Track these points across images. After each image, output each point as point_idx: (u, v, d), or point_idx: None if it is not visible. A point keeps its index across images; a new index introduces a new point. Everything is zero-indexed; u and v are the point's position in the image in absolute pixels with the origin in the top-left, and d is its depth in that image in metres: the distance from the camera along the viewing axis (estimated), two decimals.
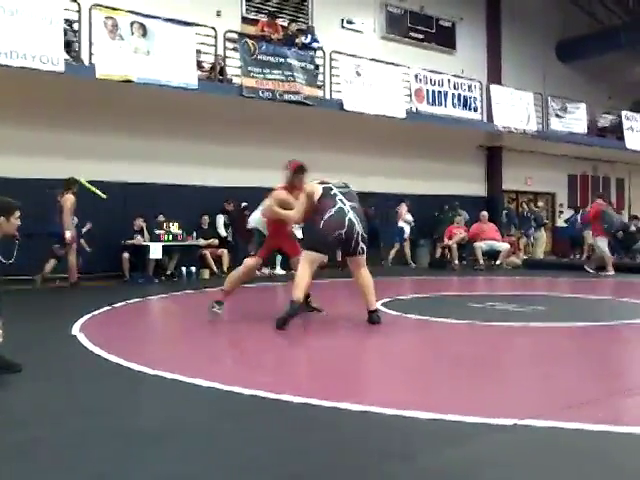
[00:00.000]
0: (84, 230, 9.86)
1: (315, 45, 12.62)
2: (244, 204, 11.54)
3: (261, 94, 11.38)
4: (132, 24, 10.06)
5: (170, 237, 10.69)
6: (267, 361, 4.30)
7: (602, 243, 12.00)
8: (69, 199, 9.23)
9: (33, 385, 3.62)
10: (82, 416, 3.00)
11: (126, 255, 10.29)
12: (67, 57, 9.57)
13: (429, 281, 11.06)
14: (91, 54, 9.83)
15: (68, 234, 9.08)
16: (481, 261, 13.09)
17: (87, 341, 4.70)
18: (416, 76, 14.00)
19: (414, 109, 13.76)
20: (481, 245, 13.23)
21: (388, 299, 7.46)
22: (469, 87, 14.95)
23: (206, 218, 11.56)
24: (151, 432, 2.74)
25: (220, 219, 11.82)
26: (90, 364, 4.09)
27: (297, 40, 12.28)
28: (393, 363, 4.19)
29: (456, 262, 13.35)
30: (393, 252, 13.89)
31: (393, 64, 13.62)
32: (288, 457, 2.41)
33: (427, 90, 14.18)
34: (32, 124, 10.23)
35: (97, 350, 4.40)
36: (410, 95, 13.83)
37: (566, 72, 18.39)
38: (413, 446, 2.53)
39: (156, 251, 10.40)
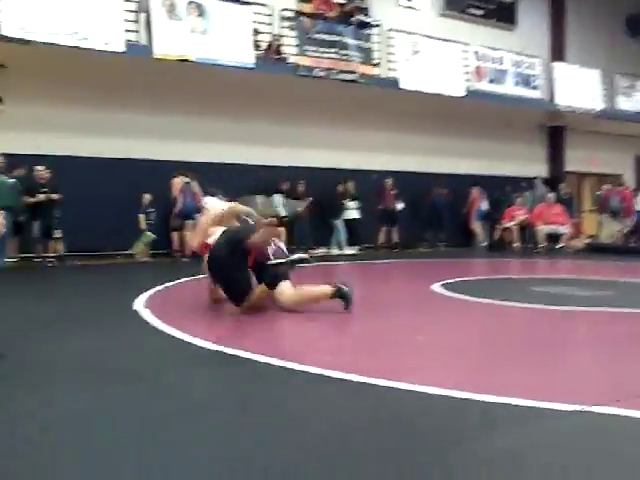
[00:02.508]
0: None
1: (371, 23, 12.40)
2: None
3: (316, 73, 11.29)
4: (189, 4, 10.12)
5: None
6: (326, 339, 4.24)
7: None
8: (176, 182, 10.20)
9: (93, 356, 3.65)
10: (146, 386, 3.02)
11: (186, 233, 10.40)
12: (127, 38, 9.69)
13: (488, 263, 10.80)
14: (150, 34, 9.92)
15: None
16: (542, 244, 12.70)
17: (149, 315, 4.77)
18: (476, 53, 13.64)
19: (473, 87, 13.40)
20: (543, 228, 12.83)
21: (448, 281, 7.29)
22: (530, 65, 14.44)
23: (261, 197, 11.58)
24: (210, 405, 2.72)
25: (277, 198, 11.83)
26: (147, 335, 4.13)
27: (353, 18, 12.10)
28: (451, 345, 4.07)
29: (516, 244, 13.00)
30: (481, 233, 13.67)
31: (451, 41, 13.28)
32: (351, 435, 2.35)
33: (487, 68, 13.79)
34: (100, 104, 10.46)
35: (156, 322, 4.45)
36: (469, 73, 13.47)
37: (635, 48, 17.52)
38: (474, 429, 2.42)
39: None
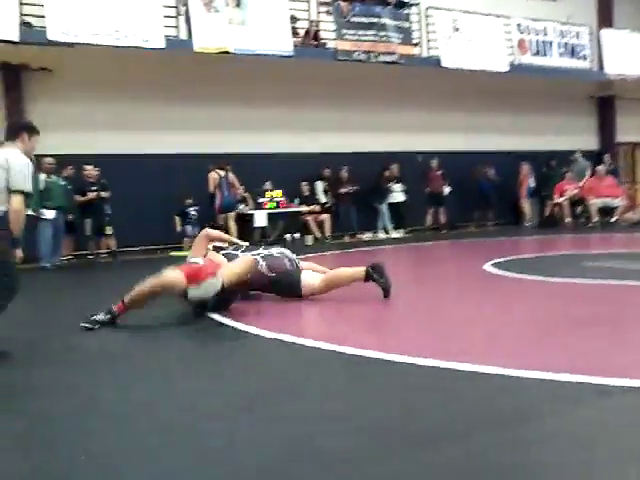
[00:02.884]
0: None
1: (409, 2, 12.19)
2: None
3: (356, 56, 11.18)
4: None
5: (273, 205, 10.84)
6: (374, 321, 4.23)
7: None
8: (212, 176, 10.27)
9: (161, 351, 3.74)
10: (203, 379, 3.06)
11: (232, 224, 10.51)
12: (166, 33, 9.79)
13: (540, 240, 10.55)
14: (189, 29, 10.00)
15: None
16: (595, 218, 12.32)
17: None
18: (518, 26, 13.26)
19: (517, 61, 13.06)
20: (595, 202, 12.45)
21: (500, 260, 7.16)
22: (577, 34, 13.96)
23: (306, 185, 11.61)
24: (264, 392, 2.74)
25: (319, 185, 11.83)
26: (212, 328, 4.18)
27: None
28: (506, 323, 3.99)
29: (568, 220, 12.66)
30: (530, 210, 13.45)
31: (493, 15, 12.94)
32: (406, 418, 2.34)
33: (530, 40, 13.41)
34: (143, 100, 10.63)
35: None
36: (512, 47, 13.12)
37: None
38: (539, 407, 2.38)
39: (261, 219, 10.58)
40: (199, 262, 4.67)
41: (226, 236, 5.55)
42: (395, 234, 12.13)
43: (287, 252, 5.07)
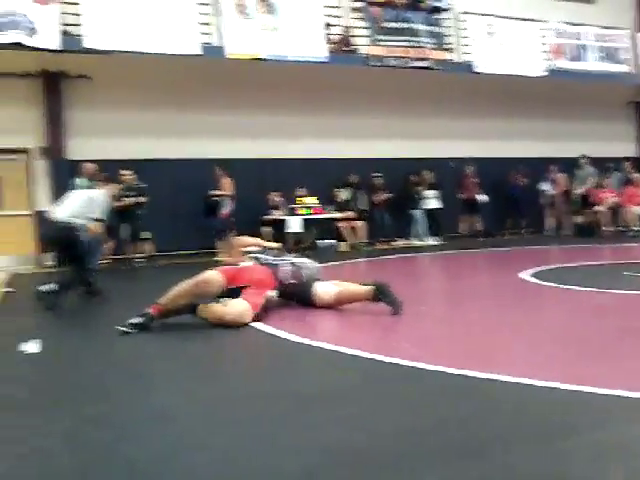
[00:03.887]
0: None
1: (442, 7, 12.11)
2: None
3: (388, 62, 11.15)
4: (259, 2, 10.19)
5: (307, 211, 10.85)
6: (414, 331, 4.17)
7: None
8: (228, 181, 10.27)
9: (195, 352, 3.78)
10: (242, 380, 3.06)
11: (267, 229, 10.55)
12: (202, 40, 9.89)
13: (578, 249, 10.33)
14: (222, 35, 10.09)
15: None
16: (636, 227, 12.04)
17: None
18: (554, 30, 13.07)
19: (552, 66, 12.87)
20: (636, 209, 12.17)
21: (537, 269, 7.03)
22: (615, 38, 13.70)
23: (340, 191, 11.59)
24: (306, 397, 2.71)
25: (344, 192, 11.75)
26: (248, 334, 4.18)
27: (423, 4, 11.86)
28: (545, 334, 3.90)
29: (607, 228, 12.40)
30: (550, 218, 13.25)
31: (528, 20, 12.79)
32: (447, 426, 2.29)
33: (566, 45, 13.20)
34: (174, 105, 10.76)
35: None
36: (547, 52, 12.94)
37: None
38: (579, 421, 2.31)
39: (294, 225, 10.59)
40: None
41: (256, 241, 5.64)
42: (430, 241, 12.03)
43: (309, 263, 5.07)
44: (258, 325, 4.27)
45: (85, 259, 5.92)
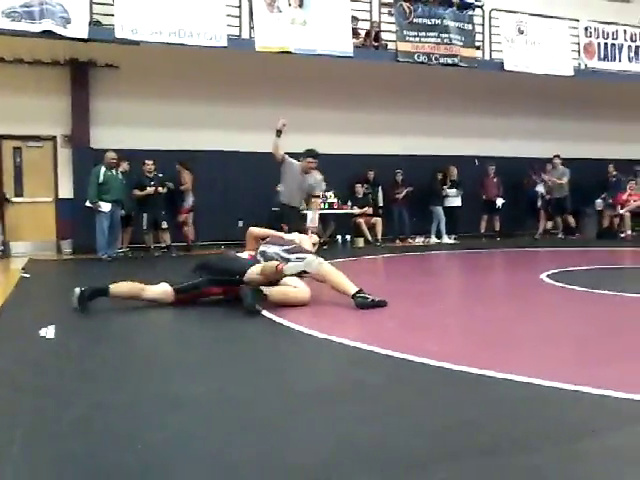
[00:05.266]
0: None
1: (473, 3, 11.96)
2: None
3: (416, 58, 11.05)
4: None
5: (326, 206, 10.85)
6: (437, 330, 4.17)
7: None
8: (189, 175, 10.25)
9: (212, 345, 3.84)
10: (260, 375, 3.09)
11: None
12: (229, 32, 9.90)
13: (599, 252, 10.22)
14: (251, 28, 10.09)
15: None
16: None
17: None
18: (586, 29, 12.82)
19: (583, 65, 12.65)
20: None
21: (556, 270, 6.99)
22: None
23: (359, 186, 11.57)
24: (326, 393, 2.75)
25: (359, 188, 11.73)
26: (264, 327, 4.23)
27: (454, 0, 11.72)
28: (566, 336, 3.90)
29: (629, 232, 12.22)
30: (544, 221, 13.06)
31: (559, 18, 12.57)
32: (465, 425, 2.32)
33: (598, 44, 12.95)
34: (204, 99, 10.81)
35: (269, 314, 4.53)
36: (579, 51, 12.72)
37: None
38: (593, 422, 2.36)
39: (312, 219, 10.57)
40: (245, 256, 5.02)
41: (271, 231, 5.69)
42: (447, 239, 11.97)
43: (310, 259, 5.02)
44: (277, 318, 4.33)
45: None
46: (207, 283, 4.84)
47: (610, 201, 12.82)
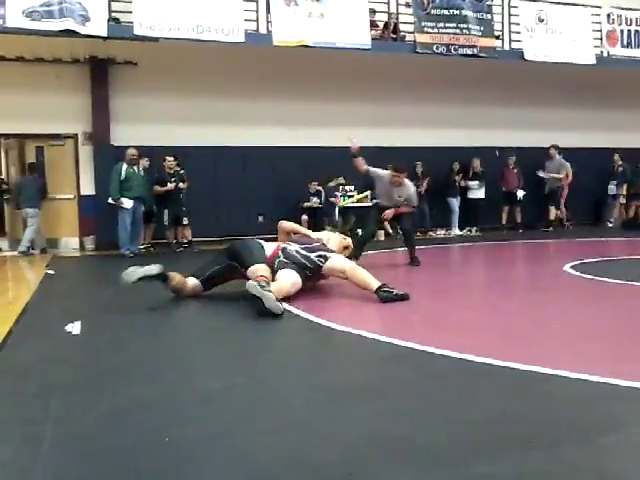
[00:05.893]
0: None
1: None
2: None
3: (435, 49, 10.95)
4: None
5: (346, 199, 10.84)
6: (463, 323, 4.15)
7: None
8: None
9: (230, 337, 3.84)
10: (282, 372, 3.09)
11: (305, 217, 10.60)
12: (246, 27, 9.89)
13: (622, 243, 10.08)
14: (268, 22, 10.08)
15: None
16: None
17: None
18: (608, 16, 12.61)
19: (606, 53, 12.45)
20: None
21: (580, 261, 6.91)
22: None
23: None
24: (356, 389, 2.74)
25: None
26: (292, 323, 4.22)
27: None
28: (593, 329, 3.86)
29: None
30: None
31: (581, 5, 12.37)
32: (493, 420, 2.30)
33: (621, 31, 12.73)
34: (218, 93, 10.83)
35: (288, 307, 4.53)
36: (601, 39, 12.51)
37: None
38: (619, 416, 2.34)
39: (334, 213, 10.61)
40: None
41: (299, 227, 5.80)
42: (457, 232, 11.93)
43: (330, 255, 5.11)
44: (303, 314, 4.34)
45: None
46: (228, 269, 4.98)
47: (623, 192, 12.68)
